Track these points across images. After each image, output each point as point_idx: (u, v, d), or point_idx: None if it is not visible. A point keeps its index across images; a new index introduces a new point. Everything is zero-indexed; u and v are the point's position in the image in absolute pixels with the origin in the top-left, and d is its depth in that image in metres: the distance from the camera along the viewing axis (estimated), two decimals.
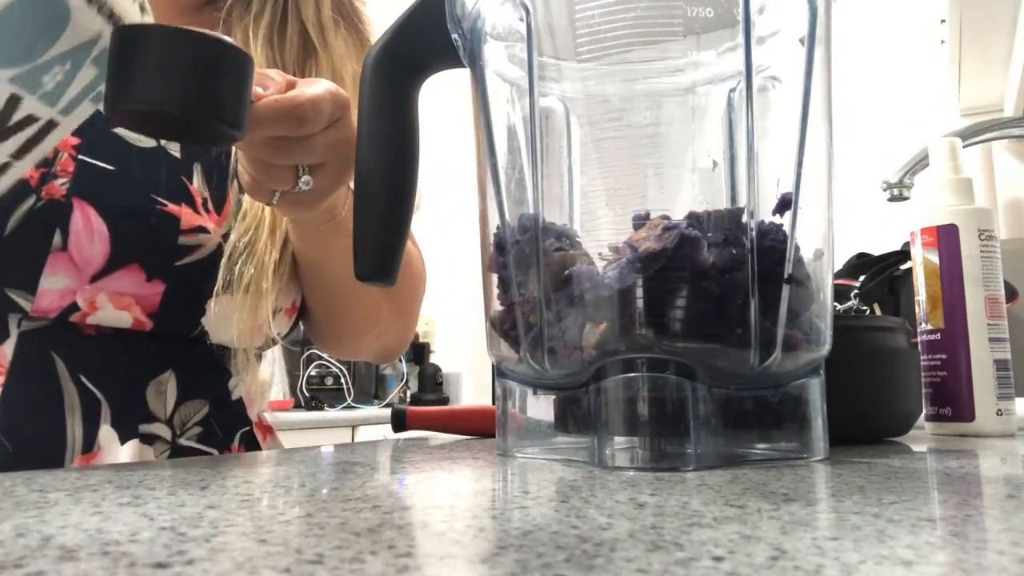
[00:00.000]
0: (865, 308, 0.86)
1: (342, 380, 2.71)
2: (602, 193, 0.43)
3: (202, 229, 0.59)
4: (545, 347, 0.39)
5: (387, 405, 2.83)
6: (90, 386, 0.56)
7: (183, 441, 0.60)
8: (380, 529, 0.22)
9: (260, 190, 0.49)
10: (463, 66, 0.46)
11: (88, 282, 0.55)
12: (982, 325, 0.56)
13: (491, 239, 0.43)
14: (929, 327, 0.58)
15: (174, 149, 0.60)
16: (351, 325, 0.71)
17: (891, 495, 0.27)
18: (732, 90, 0.41)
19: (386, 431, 0.71)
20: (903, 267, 0.96)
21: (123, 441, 0.57)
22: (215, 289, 0.58)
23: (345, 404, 2.68)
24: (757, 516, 0.23)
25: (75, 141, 0.56)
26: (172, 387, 0.60)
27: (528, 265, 0.40)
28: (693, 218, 0.38)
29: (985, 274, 0.57)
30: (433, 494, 0.31)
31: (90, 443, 0.56)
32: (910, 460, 0.40)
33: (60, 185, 0.54)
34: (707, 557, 0.18)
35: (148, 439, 0.58)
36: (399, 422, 0.64)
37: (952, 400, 0.56)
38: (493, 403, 0.48)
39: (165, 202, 0.57)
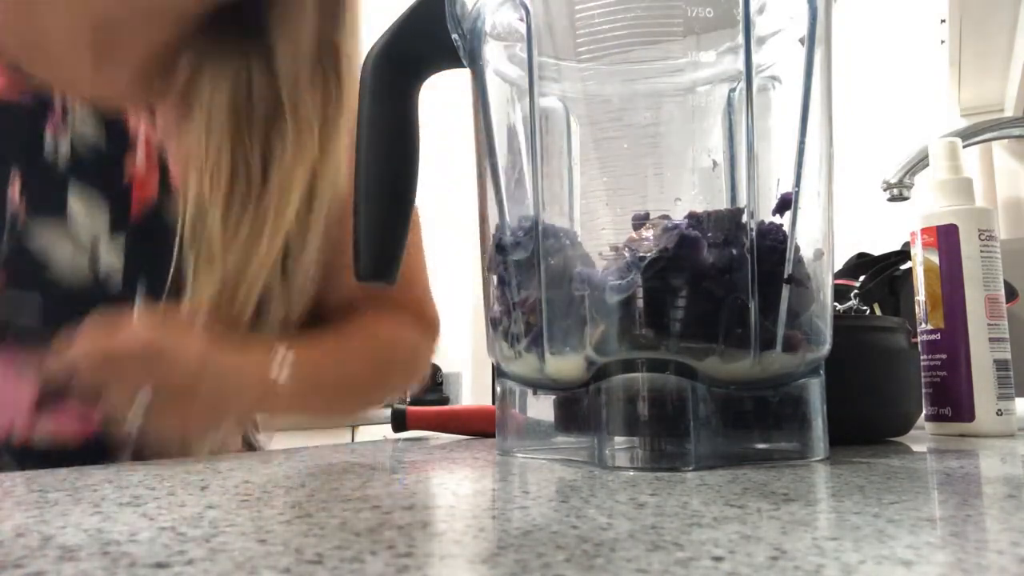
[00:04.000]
0: (865, 308, 0.86)
1: None
2: (602, 193, 0.43)
3: None
4: (545, 347, 0.39)
5: (387, 405, 2.82)
6: None
7: None
8: (380, 529, 0.22)
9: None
10: (463, 66, 0.46)
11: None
12: (982, 325, 0.56)
13: (491, 239, 0.43)
14: (929, 327, 0.58)
15: (115, 281, 0.59)
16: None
17: (891, 495, 0.27)
18: (732, 90, 0.41)
19: (386, 431, 0.72)
20: (903, 267, 0.96)
21: None
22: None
23: None
24: (757, 516, 0.23)
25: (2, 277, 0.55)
26: None
27: (528, 265, 0.40)
28: (693, 218, 0.38)
29: (985, 274, 0.57)
30: (433, 494, 0.31)
31: None
32: (910, 460, 0.40)
33: None
34: (707, 557, 0.18)
35: None
36: (399, 422, 0.64)
37: (952, 400, 0.56)
38: (493, 403, 0.48)
39: None
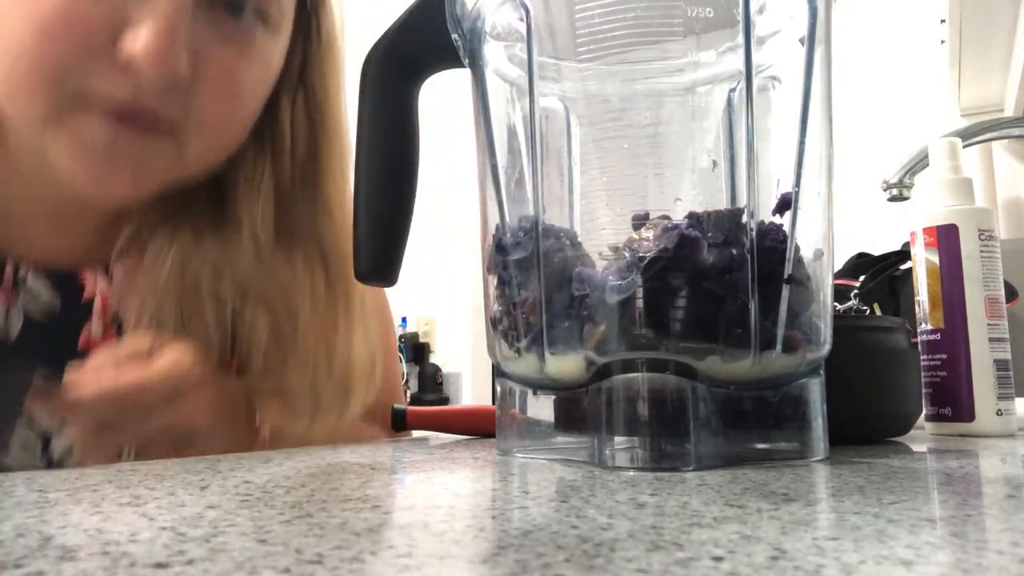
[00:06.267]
0: (865, 308, 0.86)
1: None
2: (602, 193, 0.43)
3: None
4: (545, 347, 0.39)
5: None
6: None
7: None
8: (380, 529, 0.22)
9: (85, 461, 0.48)
10: (463, 66, 0.46)
11: None
12: (982, 325, 0.56)
13: (491, 239, 0.43)
14: (929, 327, 0.58)
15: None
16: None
17: (891, 495, 0.27)
18: (732, 90, 0.41)
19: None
20: (903, 267, 0.96)
21: None
22: None
23: None
24: (757, 516, 0.23)
25: None
26: None
27: (528, 265, 0.40)
28: (693, 218, 0.38)
29: (985, 274, 0.57)
30: (433, 494, 0.31)
31: None
32: (910, 460, 0.40)
33: None
34: (707, 557, 0.18)
35: None
36: (399, 422, 0.64)
37: (952, 400, 0.56)
38: (493, 403, 0.48)
39: None
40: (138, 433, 0.46)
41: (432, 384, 2.95)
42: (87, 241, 0.61)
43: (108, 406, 0.44)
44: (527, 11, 0.40)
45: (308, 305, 0.61)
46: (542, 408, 0.42)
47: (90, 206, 0.60)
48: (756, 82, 0.38)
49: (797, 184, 0.39)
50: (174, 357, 0.47)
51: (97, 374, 0.44)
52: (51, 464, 0.56)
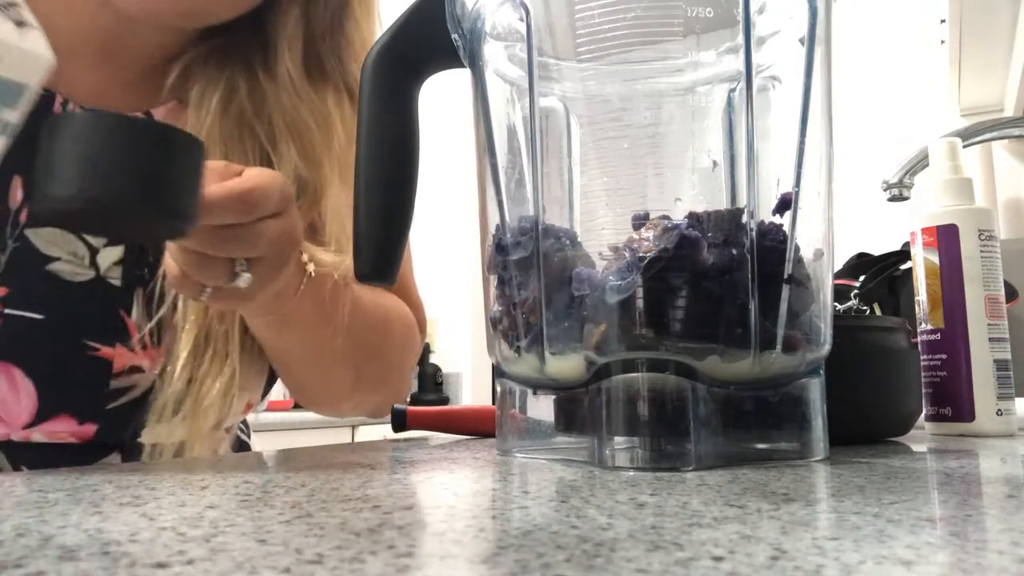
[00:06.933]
0: (865, 308, 0.86)
1: None
2: (602, 193, 0.43)
3: (137, 369, 0.57)
4: (545, 347, 0.39)
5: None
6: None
7: None
8: (380, 529, 0.22)
9: (189, 284, 0.46)
10: (463, 66, 0.46)
11: (20, 429, 0.56)
12: (982, 325, 0.56)
13: (491, 239, 0.43)
14: (929, 327, 0.58)
15: (114, 277, 0.58)
16: (321, 398, 0.70)
17: (891, 495, 0.27)
18: (732, 90, 0.41)
19: (386, 431, 0.72)
20: (903, 267, 0.96)
21: None
22: (151, 419, 0.57)
23: None
24: (757, 516, 0.23)
25: (2, 292, 0.54)
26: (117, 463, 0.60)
27: (528, 265, 0.40)
28: (693, 218, 0.38)
29: (985, 274, 0.57)
30: (433, 494, 0.31)
31: None
32: (910, 460, 0.40)
33: None
34: (707, 557, 0.18)
35: None
36: (399, 422, 0.64)
37: (952, 400, 0.56)
38: (493, 403, 0.48)
39: (98, 346, 0.56)
40: (255, 241, 0.45)
41: (432, 384, 2.95)
42: (126, 85, 0.64)
43: (237, 205, 0.43)
44: (527, 11, 0.40)
45: (342, 131, 0.65)
46: (542, 408, 0.42)
47: (135, 43, 0.63)
48: (756, 82, 0.38)
49: (797, 184, 0.39)
50: (264, 171, 0.47)
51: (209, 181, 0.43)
52: (98, 274, 0.58)
